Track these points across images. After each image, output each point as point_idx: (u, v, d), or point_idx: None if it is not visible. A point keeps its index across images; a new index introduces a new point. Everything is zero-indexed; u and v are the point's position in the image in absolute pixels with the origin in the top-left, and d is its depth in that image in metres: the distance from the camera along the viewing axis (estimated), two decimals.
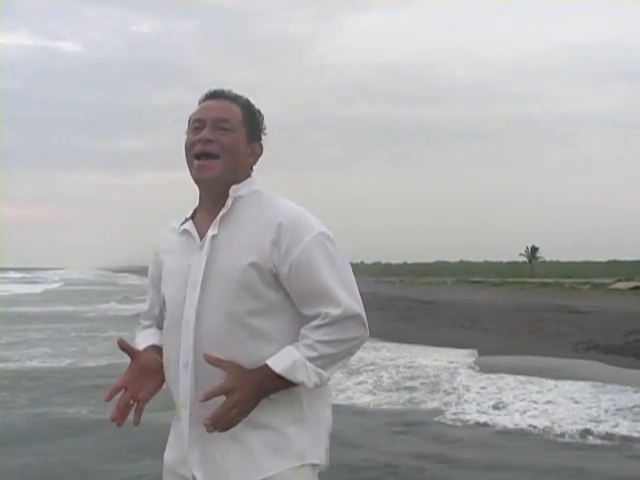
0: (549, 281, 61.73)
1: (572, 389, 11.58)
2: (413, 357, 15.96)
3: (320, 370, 1.99)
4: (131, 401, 2.09)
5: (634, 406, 10.05)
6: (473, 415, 9.59)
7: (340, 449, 7.58)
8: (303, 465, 2.04)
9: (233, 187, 2.10)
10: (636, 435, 8.53)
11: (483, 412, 9.83)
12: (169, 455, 2.19)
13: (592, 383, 12.05)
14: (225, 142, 2.09)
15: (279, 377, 1.96)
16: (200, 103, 2.17)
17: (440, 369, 14.08)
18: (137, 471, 6.66)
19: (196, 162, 2.10)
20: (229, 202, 2.09)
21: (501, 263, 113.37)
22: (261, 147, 2.19)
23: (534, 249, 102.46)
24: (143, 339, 2.27)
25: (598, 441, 8.34)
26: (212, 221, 2.09)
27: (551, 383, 12.18)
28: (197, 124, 2.12)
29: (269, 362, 1.97)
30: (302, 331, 2.02)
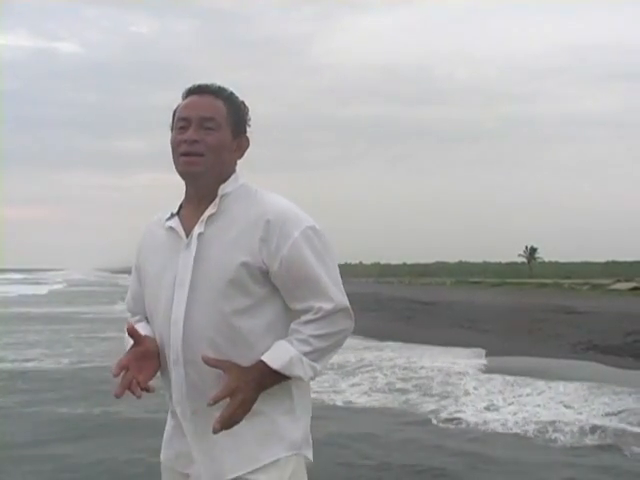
0: (548, 282, 61.85)
1: (566, 391, 11.53)
2: (412, 358, 15.93)
3: (315, 364, 2.03)
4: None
5: (624, 410, 9.90)
6: (467, 416, 9.56)
7: (335, 449, 7.60)
8: (295, 454, 2.09)
9: (222, 186, 2.11)
10: (630, 438, 8.48)
11: (477, 414, 9.80)
12: (165, 453, 2.22)
13: (588, 384, 11.99)
14: (210, 142, 2.09)
15: (276, 372, 2.00)
16: (184, 98, 2.16)
17: (438, 370, 14.06)
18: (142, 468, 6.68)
19: (182, 158, 2.10)
20: (217, 201, 2.10)
21: (500, 264, 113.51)
22: (247, 140, 2.19)
23: (533, 250, 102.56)
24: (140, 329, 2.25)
25: (595, 442, 8.31)
26: (198, 218, 2.10)
27: (549, 384, 12.14)
28: (182, 123, 2.12)
29: (266, 359, 2.00)
30: (293, 326, 2.05)
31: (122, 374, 2.05)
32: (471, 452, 7.85)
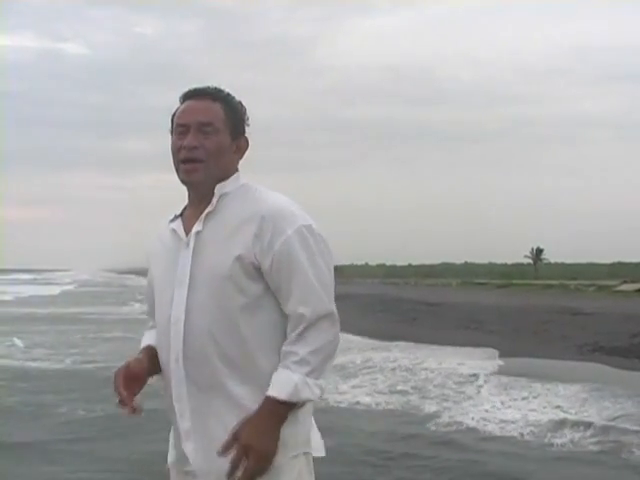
0: (554, 283, 61.68)
1: (567, 393, 11.49)
2: (416, 359, 15.92)
3: (319, 381, 2.02)
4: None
5: (624, 414, 9.82)
6: (468, 419, 9.53)
7: (334, 447, 7.61)
8: (298, 455, 2.08)
9: (218, 185, 2.12)
10: (629, 442, 8.43)
11: (478, 416, 9.77)
12: (171, 455, 2.23)
13: (590, 386, 11.94)
14: (210, 146, 2.11)
15: (285, 403, 1.99)
16: (181, 103, 2.18)
17: (442, 371, 14.05)
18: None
19: (182, 166, 2.13)
20: (214, 200, 2.11)
21: (506, 265, 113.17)
22: (246, 140, 2.20)
23: (539, 251, 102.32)
24: (145, 339, 2.32)
25: (594, 446, 8.26)
26: (199, 218, 2.12)
27: (550, 386, 12.11)
28: (181, 129, 2.13)
29: (271, 392, 2.00)
30: (285, 348, 2.03)
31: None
32: (470, 454, 7.84)
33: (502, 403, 10.77)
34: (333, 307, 2.08)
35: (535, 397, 11.26)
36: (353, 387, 11.99)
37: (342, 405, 10.40)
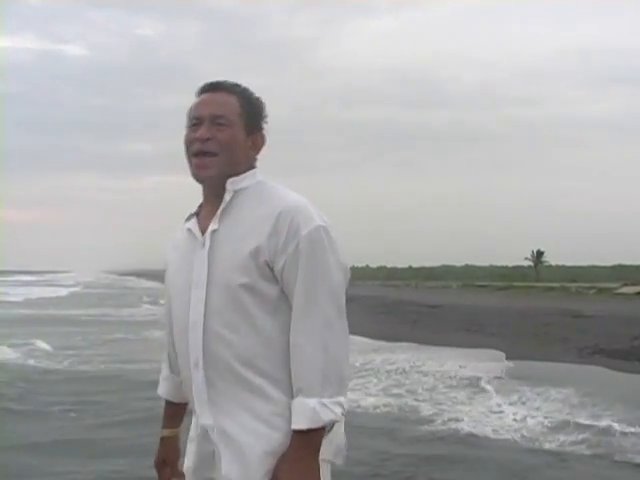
0: (555, 285, 61.64)
1: (564, 396, 11.48)
2: (418, 360, 15.92)
3: (338, 398, 1.94)
4: None
5: (619, 418, 9.73)
6: (462, 422, 9.53)
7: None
8: (324, 460, 2.00)
9: (230, 180, 2.06)
10: (622, 446, 8.41)
11: (472, 418, 9.79)
12: (189, 461, 2.16)
13: (587, 389, 11.92)
14: (222, 139, 2.05)
15: (311, 431, 1.91)
16: (197, 96, 2.14)
17: (440, 374, 14.06)
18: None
19: (194, 160, 2.07)
20: (227, 197, 2.05)
21: (506, 267, 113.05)
22: (263, 137, 2.15)
23: (539, 253, 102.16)
24: (162, 387, 2.39)
25: (588, 449, 8.24)
26: (214, 216, 2.07)
27: (547, 389, 12.11)
28: (195, 121, 2.09)
29: (294, 425, 1.93)
30: (292, 369, 1.97)
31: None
32: (464, 456, 7.85)
33: (499, 405, 10.78)
34: (334, 316, 1.98)
35: (532, 399, 11.27)
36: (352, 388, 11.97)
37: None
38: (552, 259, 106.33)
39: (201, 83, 2.16)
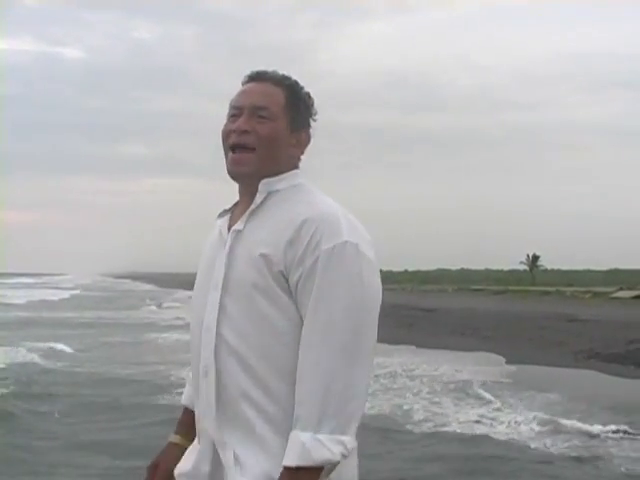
0: (550, 289, 61.72)
1: (556, 400, 11.51)
2: (411, 365, 15.92)
3: (338, 436, 1.68)
4: None
5: (605, 422, 9.72)
6: (452, 426, 9.54)
7: None
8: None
9: (263, 181, 1.85)
10: (611, 450, 8.41)
11: (463, 422, 9.80)
12: (184, 467, 1.94)
13: (578, 394, 11.94)
14: (263, 133, 1.86)
15: (300, 469, 1.66)
16: (243, 85, 1.95)
17: (434, 377, 14.06)
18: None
19: (231, 155, 1.88)
20: (258, 198, 1.85)
21: (502, 271, 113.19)
22: (309, 135, 1.94)
23: (535, 257, 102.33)
24: (185, 396, 2.14)
25: (571, 454, 8.27)
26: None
27: (540, 393, 12.13)
28: (234, 111, 1.90)
29: (284, 461, 1.69)
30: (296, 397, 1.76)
31: None
32: (455, 459, 7.84)
33: (491, 410, 10.79)
34: (347, 354, 1.72)
35: (523, 403, 11.27)
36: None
37: None
38: (548, 263, 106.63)
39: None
